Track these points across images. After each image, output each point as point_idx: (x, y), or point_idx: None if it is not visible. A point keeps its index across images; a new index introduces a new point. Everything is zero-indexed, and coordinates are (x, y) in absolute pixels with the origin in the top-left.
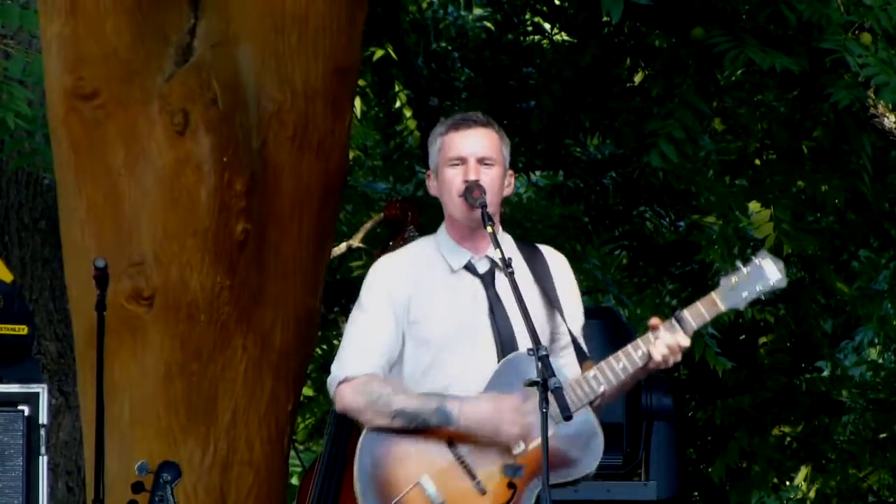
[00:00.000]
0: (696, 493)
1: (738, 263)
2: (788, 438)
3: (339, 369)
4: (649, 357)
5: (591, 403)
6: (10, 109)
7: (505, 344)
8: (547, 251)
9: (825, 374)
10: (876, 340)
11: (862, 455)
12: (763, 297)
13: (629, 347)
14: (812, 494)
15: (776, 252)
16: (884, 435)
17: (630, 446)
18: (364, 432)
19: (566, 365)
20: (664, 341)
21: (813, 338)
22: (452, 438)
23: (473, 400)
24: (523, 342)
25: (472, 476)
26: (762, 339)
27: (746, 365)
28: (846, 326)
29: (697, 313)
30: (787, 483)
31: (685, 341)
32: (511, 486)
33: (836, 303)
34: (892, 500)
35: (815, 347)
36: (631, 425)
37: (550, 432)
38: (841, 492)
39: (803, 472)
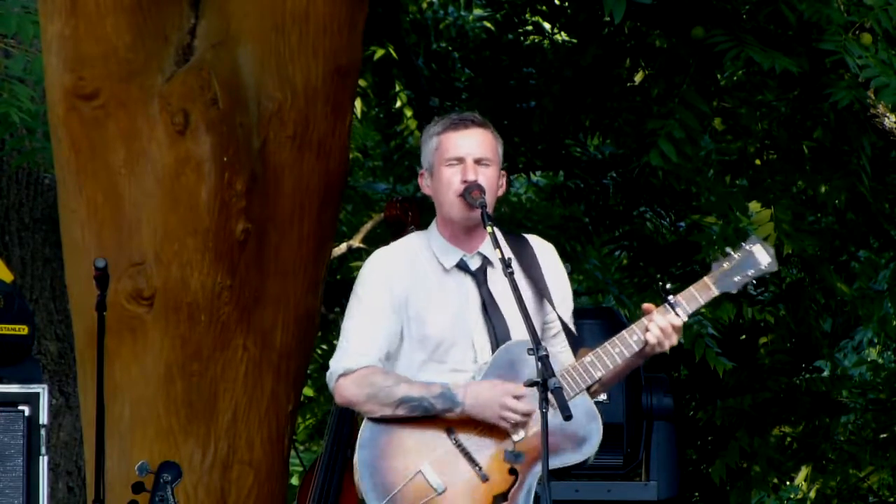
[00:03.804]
0: (696, 494)
1: (728, 249)
2: (789, 439)
3: (337, 363)
4: (645, 342)
5: (588, 389)
6: (12, 105)
7: (500, 340)
8: (534, 240)
9: (825, 374)
10: (875, 340)
11: (862, 455)
12: (755, 282)
13: (624, 333)
14: (812, 495)
15: (776, 252)
16: (884, 435)
17: (630, 446)
18: (363, 425)
19: (560, 352)
20: (657, 324)
21: (813, 338)
22: (451, 426)
23: (477, 383)
24: (518, 337)
25: (474, 463)
26: (762, 340)
27: (747, 365)
28: (846, 326)
29: (691, 297)
30: (788, 483)
31: (678, 321)
32: (513, 472)
33: (835, 303)
34: (892, 500)
35: (815, 347)
36: (631, 425)
37: (550, 417)
38: (841, 492)
39: (803, 472)
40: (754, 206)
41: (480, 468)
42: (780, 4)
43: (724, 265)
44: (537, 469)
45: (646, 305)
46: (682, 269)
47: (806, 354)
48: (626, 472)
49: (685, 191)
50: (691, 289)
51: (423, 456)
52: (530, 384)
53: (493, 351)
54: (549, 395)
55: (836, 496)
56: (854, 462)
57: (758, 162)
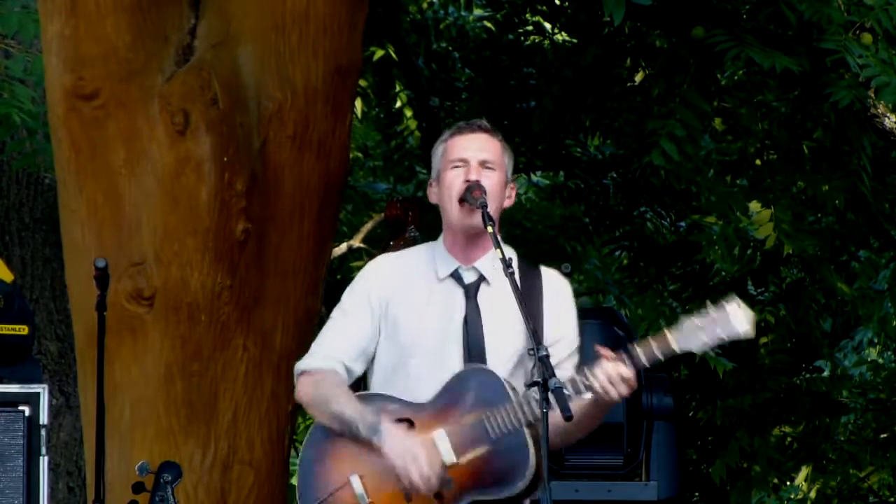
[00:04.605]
0: (696, 494)
1: (708, 305)
2: (789, 439)
3: (301, 362)
4: (591, 387)
5: (530, 425)
6: (13, 106)
7: (473, 356)
8: (547, 274)
9: (825, 374)
10: (875, 340)
11: (862, 455)
12: (725, 344)
13: (575, 375)
14: (812, 494)
15: (776, 252)
16: (884, 435)
17: (630, 446)
18: (313, 425)
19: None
20: (605, 370)
21: (813, 338)
22: None
23: (405, 433)
24: (493, 358)
25: (401, 482)
26: (762, 340)
27: (747, 365)
28: (846, 326)
29: (648, 349)
30: (788, 483)
31: (627, 372)
32: (438, 496)
33: (835, 303)
34: (892, 500)
35: (815, 347)
36: (631, 425)
37: (484, 450)
38: (841, 492)
39: (804, 472)
40: (754, 206)
41: (407, 488)
42: (780, 4)
43: (696, 321)
44: (464, 499)
45: (602, 350)
46: (682, 269)
47: (806, 354)
48: (626, 472)
49: (685, 191)
50: (650, 340)
51: (356, 467)
52: (531, 384)
53: (463, 364)
54: (550, 395)
55: (836, 496)
56: (854, 462)
57: (758, 162)
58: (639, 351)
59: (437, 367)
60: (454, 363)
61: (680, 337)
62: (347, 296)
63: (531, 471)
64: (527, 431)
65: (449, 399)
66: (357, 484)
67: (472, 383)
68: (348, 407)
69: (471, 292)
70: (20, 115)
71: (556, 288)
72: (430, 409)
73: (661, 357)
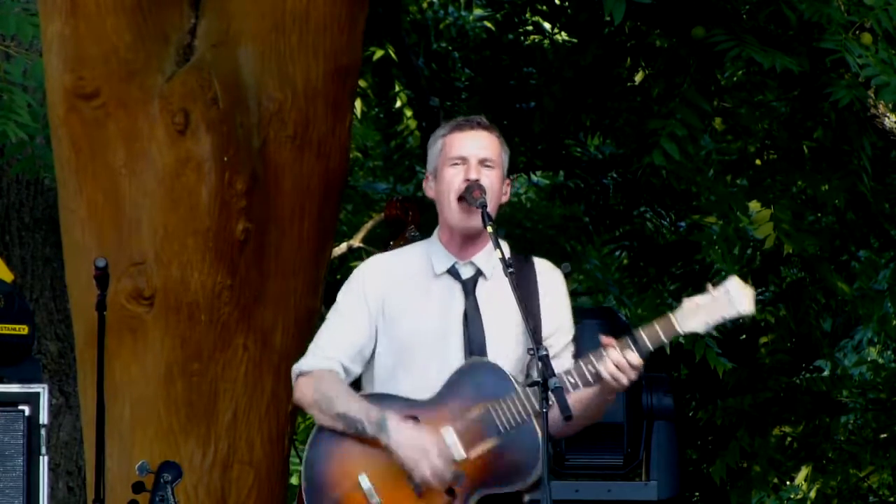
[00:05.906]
0: (696, 494)
1: (708, 286)
2: (789, 438)
3: (299, 363)
4: (599, 374)
5: (538, 416)
6: (9, 119)
7: (474, 351)
8: (540, 265)
9: (825, 373)
10: (875, 340)
11: (862, 455)
12: (728, 325)
13: (581, 362)
14: (812, 494)
15: (776, 252)
16: (884, 435)
17: (631, 446)
18: (315, 426)
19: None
20: (612, 359)
21: (813, 338)
22: None
23: (413, 427)
24: (493, 352)
25: (412, 479)
26: (762, 340)
27: (747, 365)
28: (846, 326)
29: (653, 334)
30: (788, 483)
31: (635, 359)
32: (450, 492)
33: (835, 303)
34: (892, 500)
35: (815, 347)
36: (632, 425)
37: (491, 444)
38: (841, 492)
39: (804, 472)
40: (754, 206)
41: (418, 484)
42: (780, 4)
43: (697, 302)
44: (476, 493)
45: (604, 340)
46: (682, 269)
47: (806, 354)
48: (626, 472)
49: (685, 191)
50: (655, 324)
51: (363, 466)
52: (531, 384)
53: (465, 360)
54: (550, 395)
55: (836, 496)
56: (854, 462)
57: (758, 162)
58: (644, 336)
59: (439, 363)
60: (456, 358)
61: (683, 319)
62: (342, 296)
63: (543, 462)
64: (535, 422)
65: (453, 394)
66: (366, 483)
67: (474, 377)
68: (353, 405)
69: (469, 287)
70: (14, 130)
71: (550, 279)
72: (435, 405)
73: (665, 340)
